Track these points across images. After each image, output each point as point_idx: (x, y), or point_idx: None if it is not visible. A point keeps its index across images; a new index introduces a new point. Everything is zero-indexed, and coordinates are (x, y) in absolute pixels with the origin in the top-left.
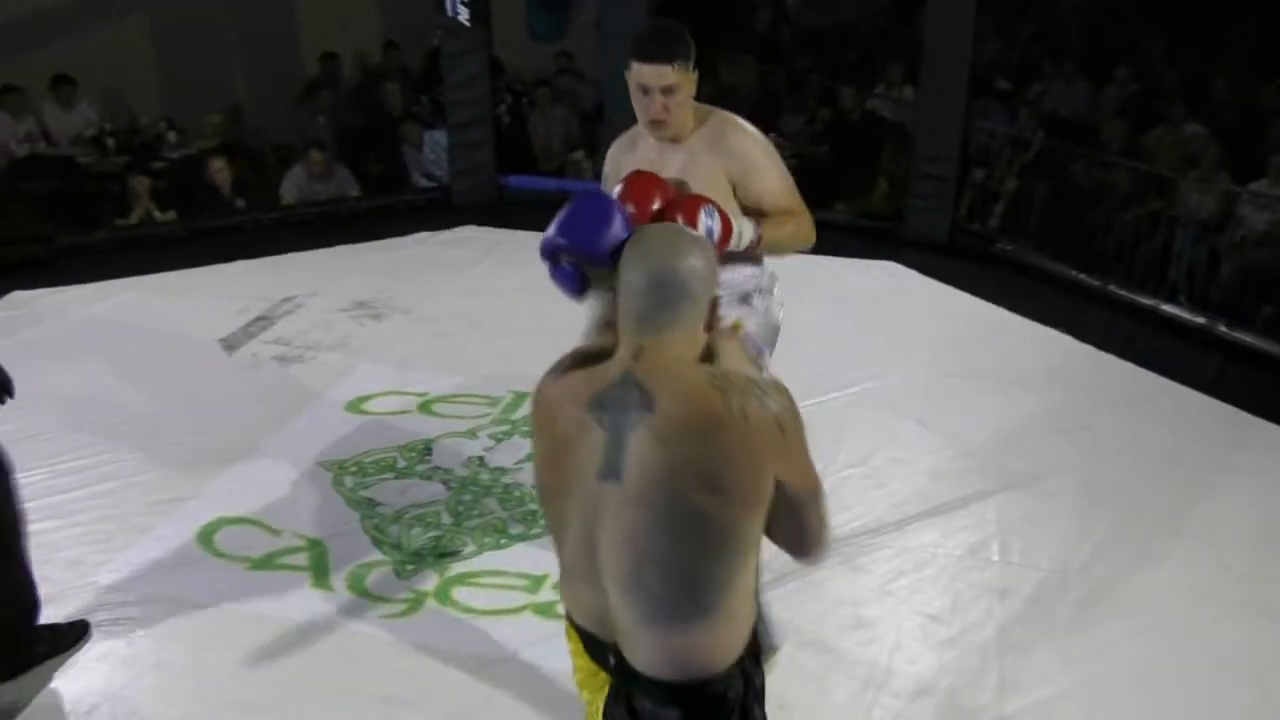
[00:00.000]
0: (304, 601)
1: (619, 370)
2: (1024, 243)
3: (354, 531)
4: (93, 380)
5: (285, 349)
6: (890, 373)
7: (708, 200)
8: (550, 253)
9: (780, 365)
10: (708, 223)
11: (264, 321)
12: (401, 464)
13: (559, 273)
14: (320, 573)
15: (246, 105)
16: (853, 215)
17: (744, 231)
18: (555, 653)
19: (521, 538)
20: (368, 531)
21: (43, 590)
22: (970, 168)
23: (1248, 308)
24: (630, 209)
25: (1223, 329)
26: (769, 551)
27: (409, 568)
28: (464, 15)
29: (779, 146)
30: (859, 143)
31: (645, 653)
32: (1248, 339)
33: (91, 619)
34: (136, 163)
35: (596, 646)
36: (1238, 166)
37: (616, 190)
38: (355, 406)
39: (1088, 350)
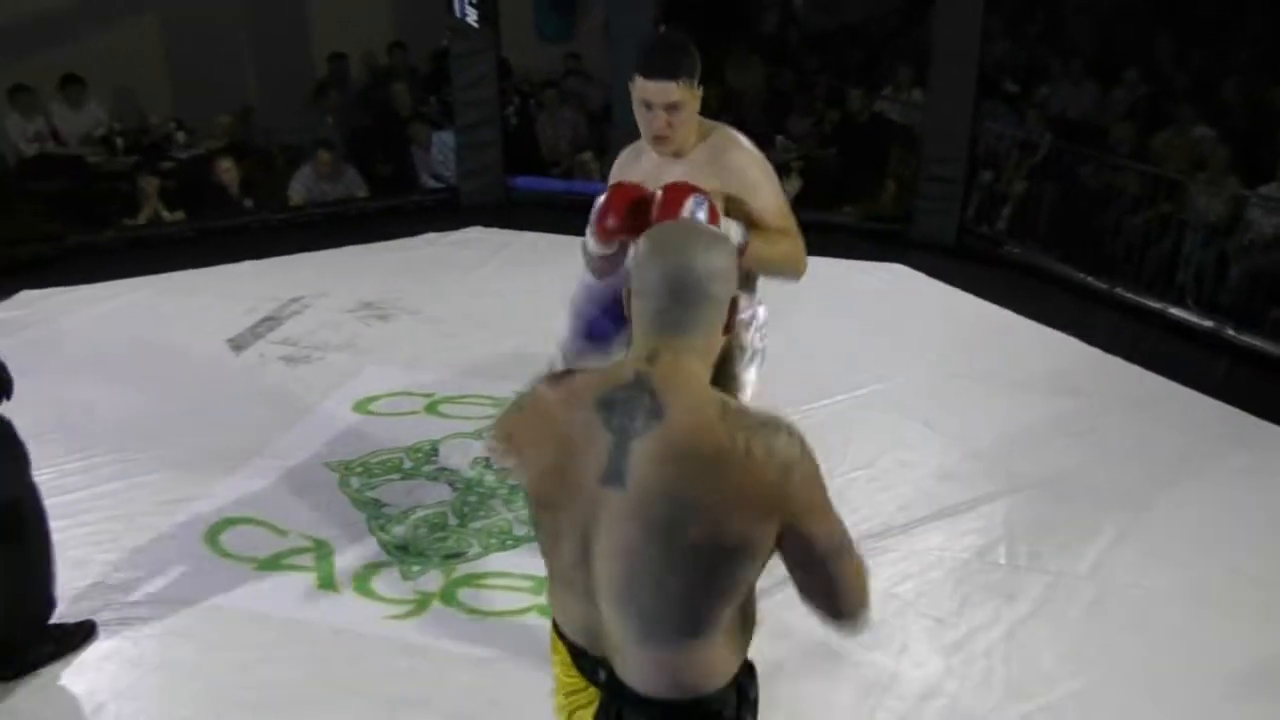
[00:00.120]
0: (310, 602)
1: (631, 371)
2: (1032, 245)
3: (360, 532)
4: (100, 380)
5: (292, 349)
6: (897, 375)
7: (696, 189)
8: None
9: (788, 367)
10: (694, 210)
11: (271, 322)
12: (408, 465)
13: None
14: (326, 573)
15: (255, 106)
16: (860, 217)
17: (731, 232)
18: None
19: (527, 539)
20: (374, 532)
21: None
22: (978, 170)
23: (1256, 311)
24: (610, 222)
25: (1231, 332)
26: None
27: (414, 569)
28: (472, 16)
29: (786, 149)
30: (867, 145)
31: (637, 670)
32: (1256, 342)
33: (98, 619)
34: (145, 163)
35: (585, 661)
36: (1247, 169)
37: (597, 203)
38: (362, 407)
39: (1095, 353)
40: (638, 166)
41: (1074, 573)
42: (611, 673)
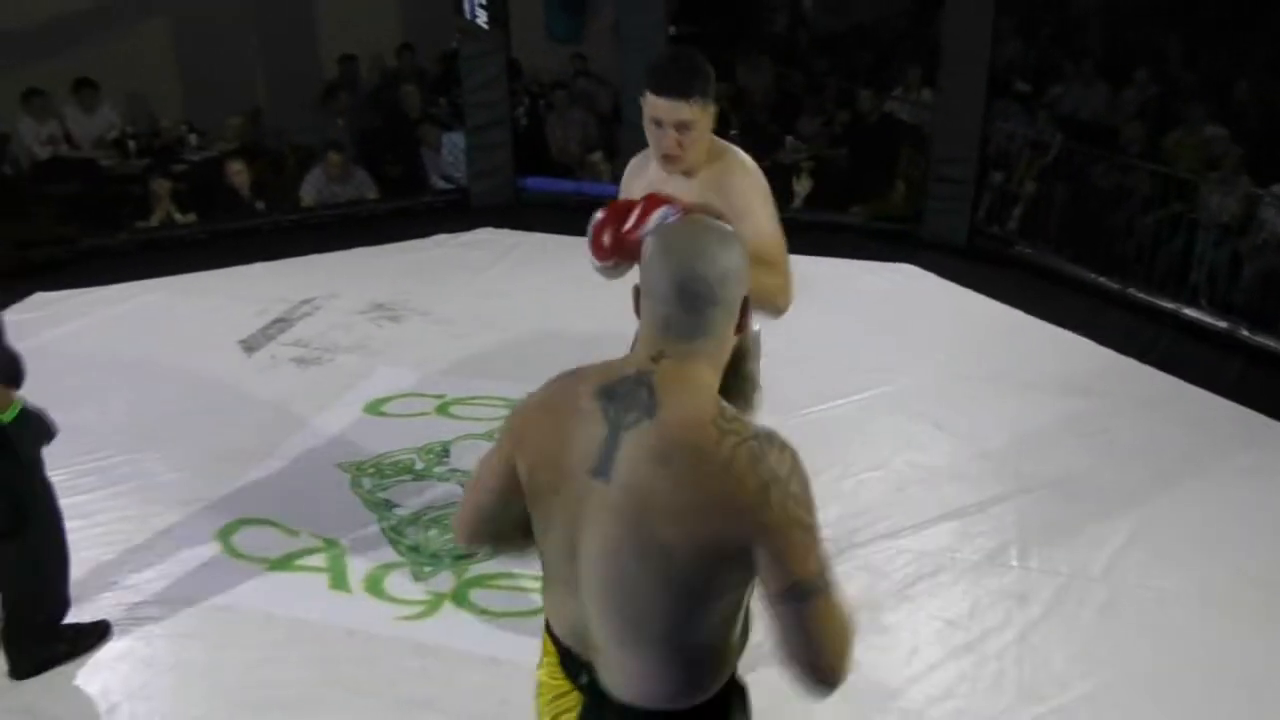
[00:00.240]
0: (322, 603)
1: (634, 367)
2: (1043, 245)
3: (372, 533)
4: (113, 381)
5: (304, 351)
6: (907, 375)
7: (669, 201)
8: None
9: (799, 367)
10: (663, 217)
11: (283, 323)
12: (419, 466)
13: None
14: (338, 574)
15: (266, 108)
16: (870, 217)
17: None
18: None
19: None
20: (385, 533)
21: None
22: (989, 170)
23: (1270, 311)
24: (606, 240)
25: (1244, 332)
26: None
27: (426, 569)
28: (482, 18)
29: (796, 149)
30: (877, 145)
31: (617, 673)
32: (1269, 343)
33: (111, 618)
34: (157, 165)
35: (572, 663)
36: (1260, 169)
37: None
38: (373, 408)
39: (1107, 354)
40: (644, 176)
41: (1086, 574)
42: (593, 677)
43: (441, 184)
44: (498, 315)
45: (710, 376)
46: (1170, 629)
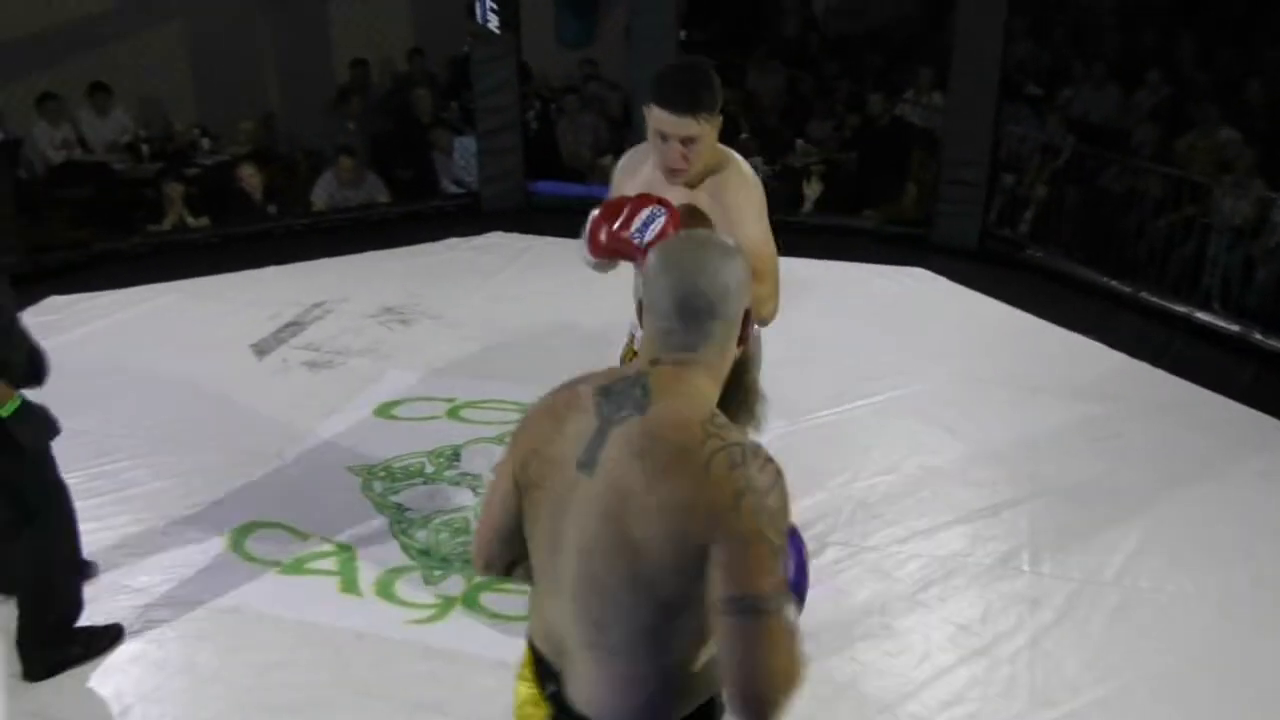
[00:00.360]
0: (333, 606)
1: (634, 369)
2: (1054, 249)
3: (383, 536)
4: (126, 385)
5: (315, 354)
6: (919, 379)
7: (659, 201)
8: None
9: (810, 371)
10: (648, 221)
11: (294, 327)
12: (430, 469)
13: None
14: (349, 577)
15: (278, 112)
16: (881, 221)
17: None
18: None
19: None
20: (396, 536)
21: None
22: (1000, 173)
23: None
24: (604, 238)
25: (1258, 336)
26: None
27: (437, 573)
28: (494, 22)
29: (807, 152)
30: (888, 148)
31: (582, 679)
32: None
33: (124, 621)
34: (170, 169)
35: (544, 671)
36: (1273, 171)
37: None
38: (384, 412)
39: (1120, 357)
40: (638, 175)
41: (1098, 579)
42: (560, 688)
43: (452, 188)
44: (508, 319)
45: (708, 385)
46: (1183, 633)
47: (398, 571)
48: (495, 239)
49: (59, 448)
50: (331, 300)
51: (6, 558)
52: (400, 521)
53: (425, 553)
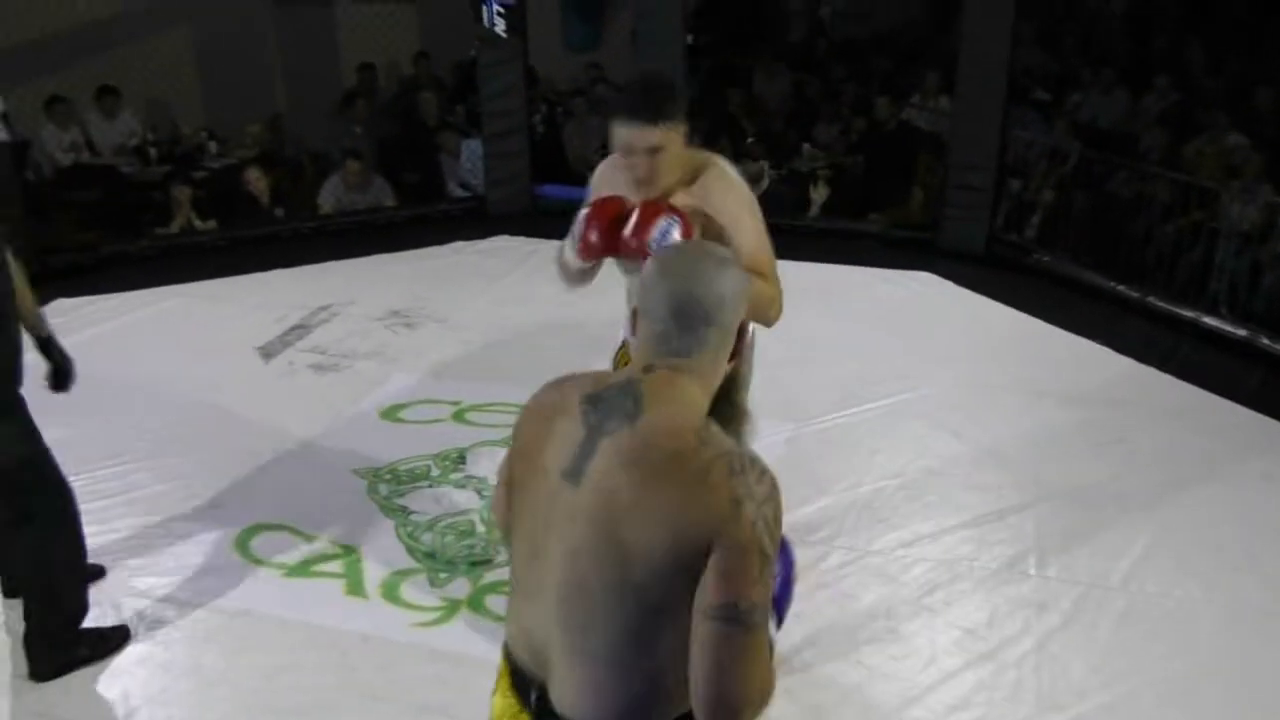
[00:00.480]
0: (338, 608)
1: (624, 376)
2: (1061, 254)
3: (388, 539)
4: (133, 387)
5: (321, 357)
6: (925, 384)
7: (670, 208)
8: None
9: (815, 375)
10: (666, 230)
11: (301, 330)
12: (435, 472)
13: None
14: (354, 580)
15: (286, 115)
16: (887, 225)
17: None
18: None
19: None
20: (402, 539)
21: None
22: (1007, 178)
23: None
24: (594, 238)
25: (1265, 341)
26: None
27: (443, 576)
28: (500, 26)
29: (813, 157)
30: (894, 153)
31: (567, 686)
32: None
33: (130, 623)
34: (178, 172)
35: (523, 682)
36: None
37: (578, 217)
38: (390, 415)
39: (1127, 362)
40: (616, 188)
41: (1104, 583)
42: (544, 695)
43: (459, 191)
44: (514, 322)
45: (699, 394)
46: (1190, 638)
47: (403, 574)
48: (501, 242)
49: (66, 449)
50: (338, 303)
51: (8, 558)
52: (406, 524)
53: (431, 555)
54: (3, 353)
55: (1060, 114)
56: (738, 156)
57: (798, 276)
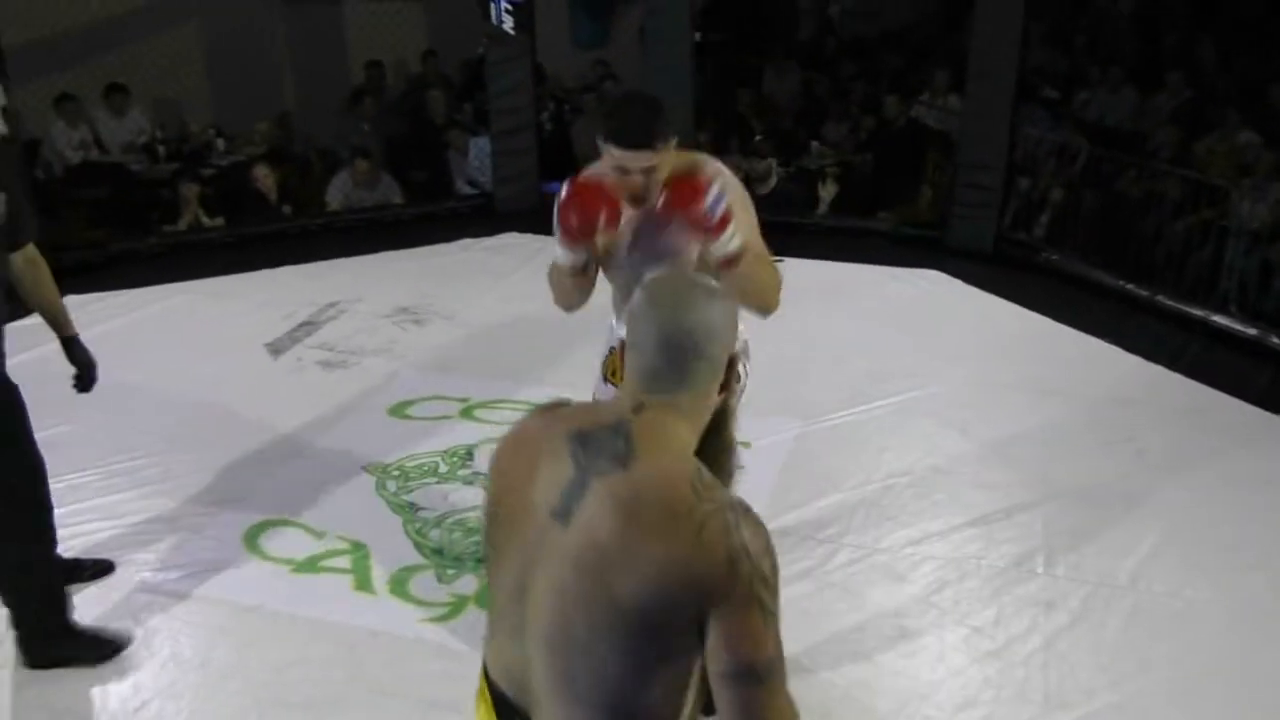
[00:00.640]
0: (346, 604)
1: (614, 415)
2: (1070, 252)
3: (396, 535)
4: (142, 383)
5: (329, 354)
6: (934, 382)
7: (707, 181)
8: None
9: (823, 373)
10: (718, 198)
11: (309, 326)
12: (443, 469)
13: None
14: (362, 576)
15: (294, 113)
16: (896, 223)
17: (730, 240)
18: None
19: None
20: (410, 536)
21: (92, 590)
22: (1016, 176)
23: None
24: (574, 220)
25: (1275, 340)
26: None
27: (450, 572)
28: (509, 23)
29: (822, 155)
30: (903, 151)
31: None
32: None
33: (140, 618)
34: (186, 170)
35: (507, 712)
36: None
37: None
38: (398, 411)
39: (1135, 361)
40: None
41: (1112, 582)
42: None
43: (467, 189)
44: (521, 319)
45: (688, 434)
46: (1198, 638)
47: (411, 570)
48: (509, 240)
49: (75, 444)
50: (346, 300)
51: None
52: (414, 520)
53: (438, 551)
54: None
55: (1069, 112)
56: (746, 154)
57: (806, 274)
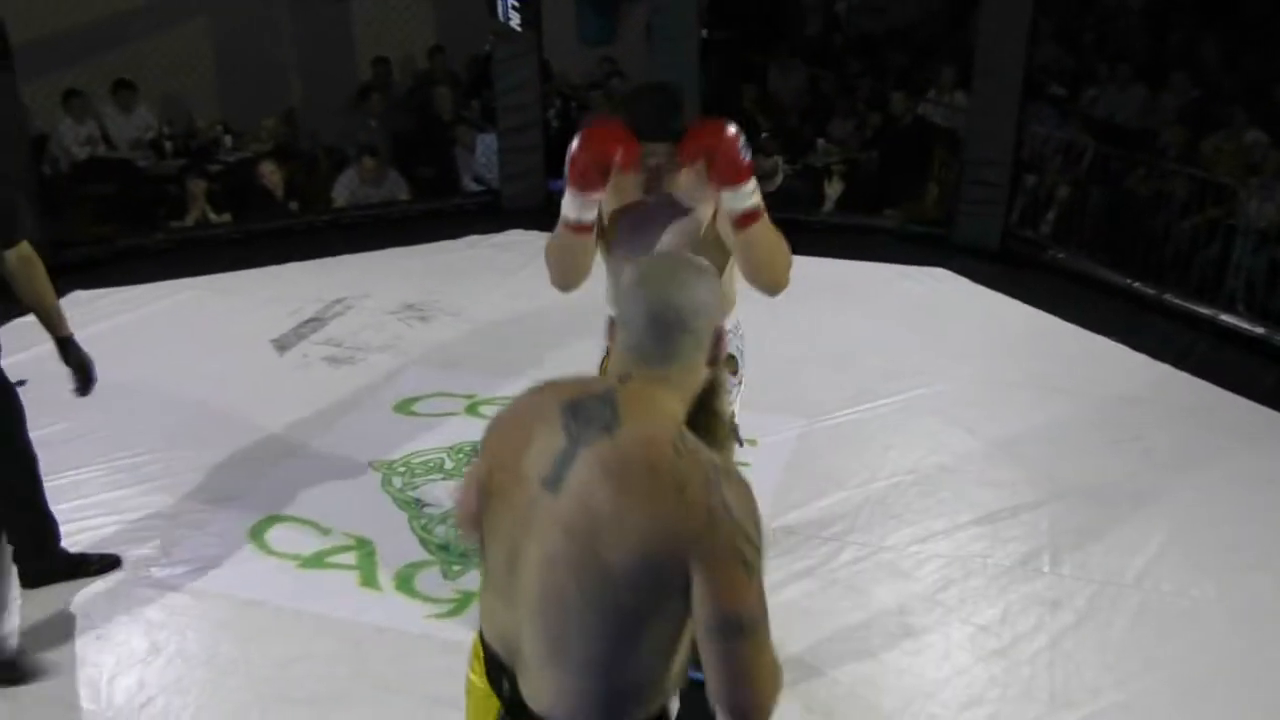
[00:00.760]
0: (352, 600)
1: (602, 385)
2: (1077, 250)
3: (402, 532)
4: (149, 379)
5: (335, 350)
6: (940, 380)
7: (730, 126)
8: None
9: (829, 371)
10: (744, 141)
11: (315, 323)
12: (449, 465)
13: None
14: (368, 572)
15: (300, 109)
16: (903, 221)
17: (748, 195)
18: None
19: None
20: (415, 532)
21: (99, 585)
22: (1022, 173)
23: None
24: (583, 159)
25: None
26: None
27: (456, 568)
28: (515, 20)
29: (828, 152)
30: (909, 148)
31: (537, 689)
32: None
33: (145, 614)
34: (193, 166)
35: (496, 670)
36: None
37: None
38: (404, 407)
39: (1142, 359)
40: (625, 179)
41: (1119, 581)
42: (515, 687)
43: (473, 186)
44: (527, 316)
45: (675, 403)
46: (1204, 637)
47: (417, 566)
48: (515, 236)
49: (81, 440)
50: (352, 296)
51: None
52: (419, 516)
53: (444, 548)
54: None
55: (1076, 109)
56: (752, 151)
57: (811, 272)
